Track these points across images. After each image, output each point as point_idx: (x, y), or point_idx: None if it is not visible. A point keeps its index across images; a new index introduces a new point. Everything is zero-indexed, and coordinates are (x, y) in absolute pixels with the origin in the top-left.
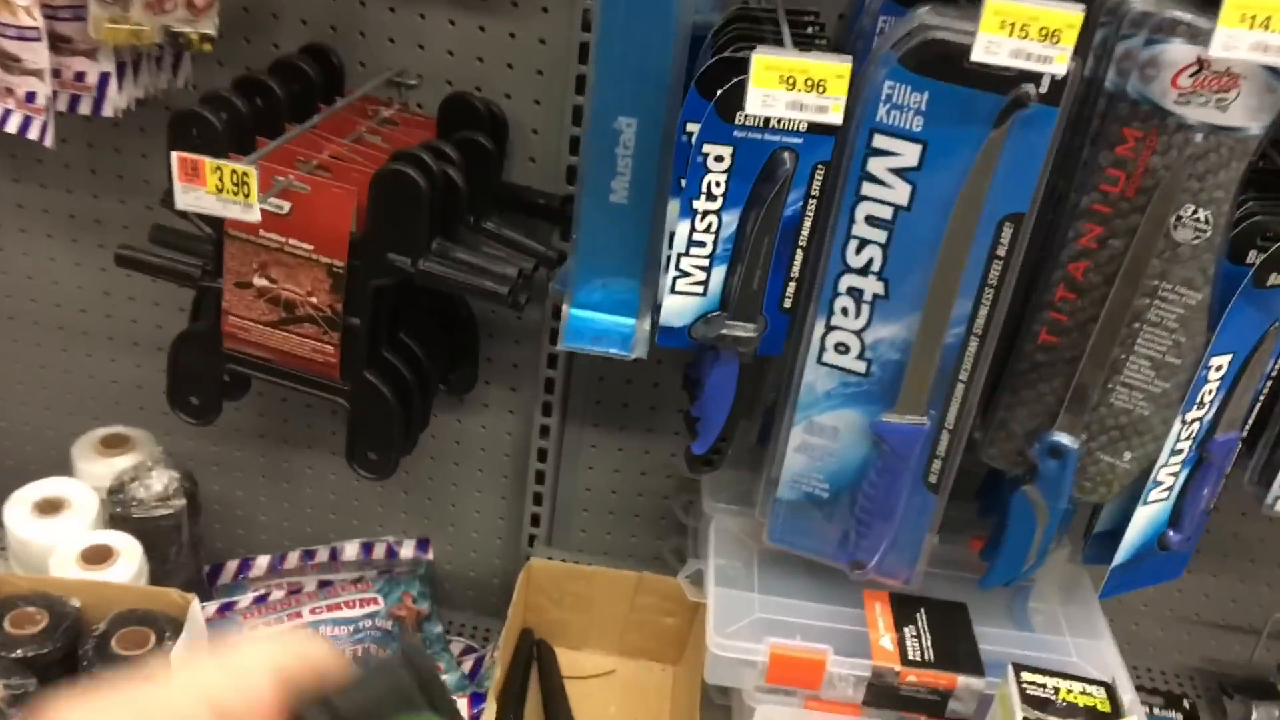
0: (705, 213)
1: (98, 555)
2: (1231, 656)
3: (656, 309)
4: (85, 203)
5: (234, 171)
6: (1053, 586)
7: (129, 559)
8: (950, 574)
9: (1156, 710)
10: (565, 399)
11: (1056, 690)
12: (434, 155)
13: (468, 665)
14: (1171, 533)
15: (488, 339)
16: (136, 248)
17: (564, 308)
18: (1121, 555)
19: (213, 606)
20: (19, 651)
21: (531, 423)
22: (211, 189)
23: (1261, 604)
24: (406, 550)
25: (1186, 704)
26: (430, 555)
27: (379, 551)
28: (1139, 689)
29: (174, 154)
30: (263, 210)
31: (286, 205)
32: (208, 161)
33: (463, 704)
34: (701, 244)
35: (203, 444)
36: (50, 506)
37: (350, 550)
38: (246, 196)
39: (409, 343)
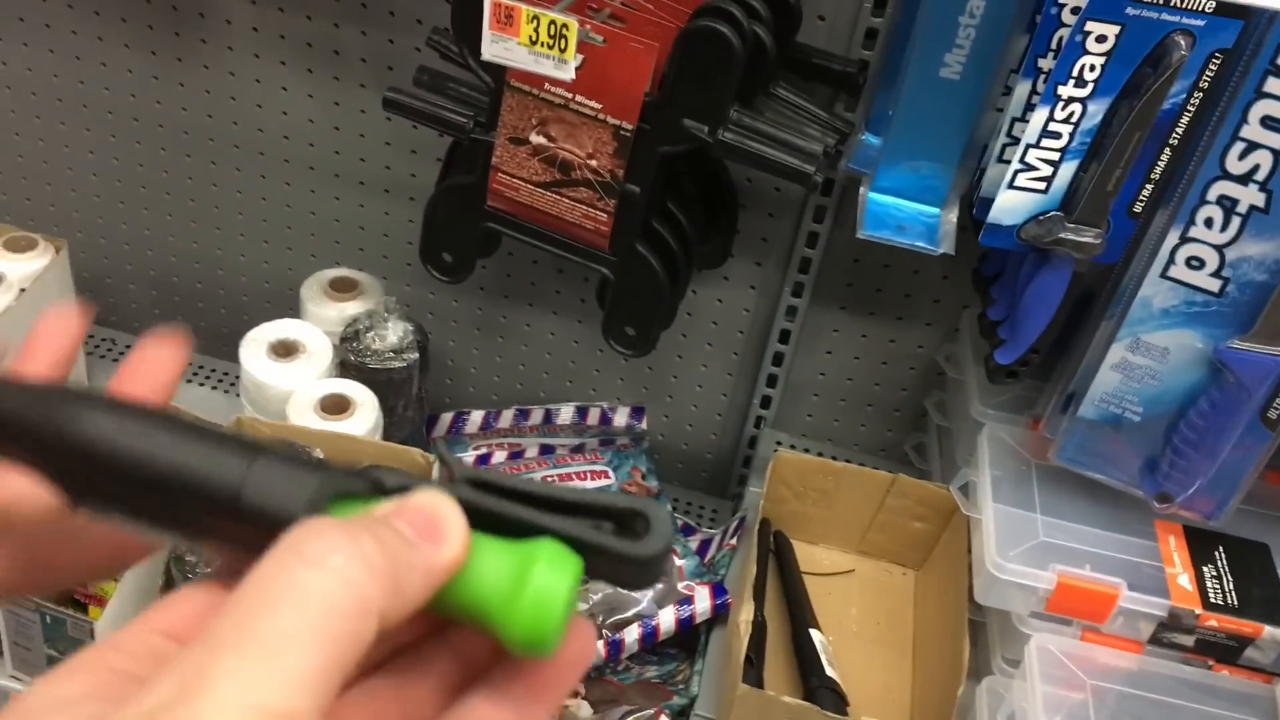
0: (1070, 100)
1: (336, 405)
2: None
3: (966, 200)
4: (325, 31)
5: (554, 22)
6: None
7: (367, 411)
8: (1248, 509)
9: None
10: (817, 279)
11: None
12: (744, 10)
13: (694, 544)
14: None
15: (741, 210)
16: (404, 90)
17: (862, 190)
18: None
19: None
20: None
21: (777, 301)
22: (525, 40)
23: None
24: (620, 418)
25: None
26: (645, 424)
27: (593, 417)
28: None
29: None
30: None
31: (579, 58)
32: (524, 9)
33: (704, 592)
34: (1056, 135)
35: (421, 292)
36: (285, 349)
37: (566, 413)
38: (563, 50)
39: (676, 212)
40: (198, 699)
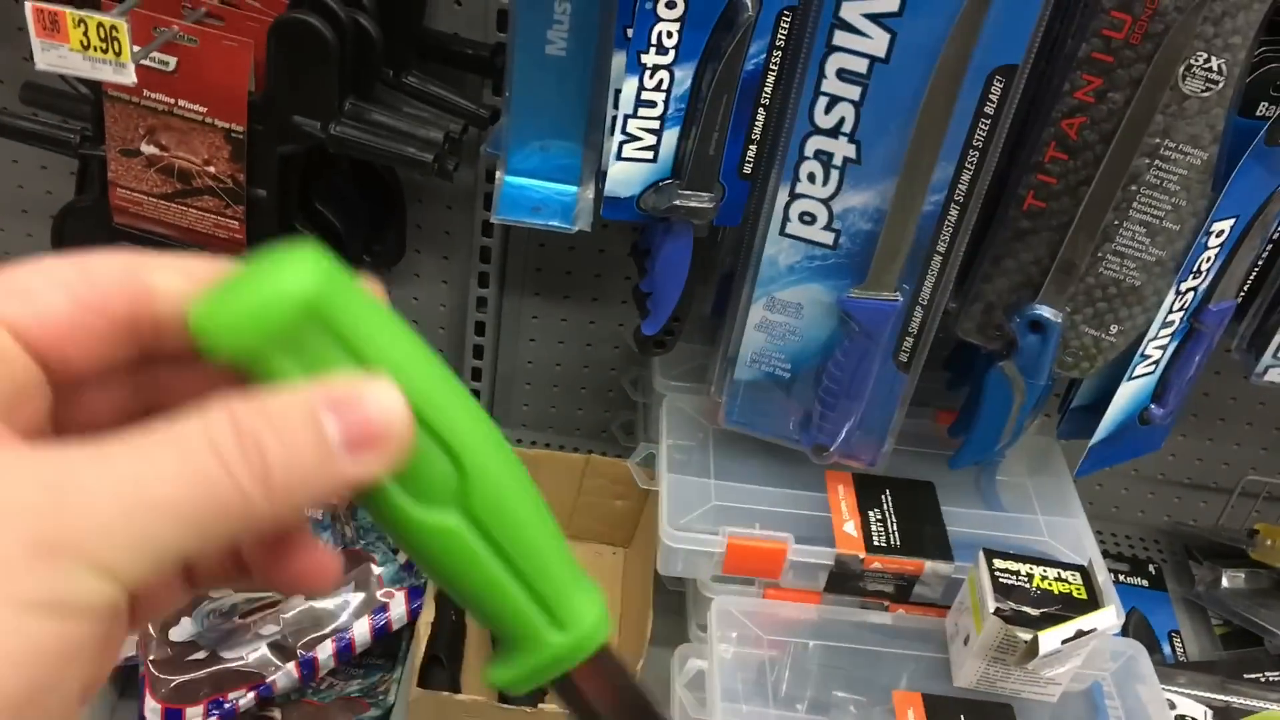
0: (655, 68)
1: None
2: (1198, 518)
3: (601, 176)
4: None
5: (101, 24)
6: (1022, 460)
7: None
8: (915, 450)
9: (1121, 577)
10: (503, 268)
11: (1030, 577)
12: (342, 0)
13: (403, 555)
14: (1154, 407)
15: (416, 204)
16: (7, 111)
17: (498, 174)
18: (1101, 432)
19: None
20: None
21: (467, 293)
22: (76, 45)
23: (1229, 463)
24: None
25: (1152, 569)
26: None
27: None
28: (1103, 555)
29: (28, 4)
30: (146, 68)
31: (173, 61)
32: (69, 13)
33: (400, 597)
34: (651, 104)
35: None
36: None
37: None
38: (118, 54)
39: (325, 212)
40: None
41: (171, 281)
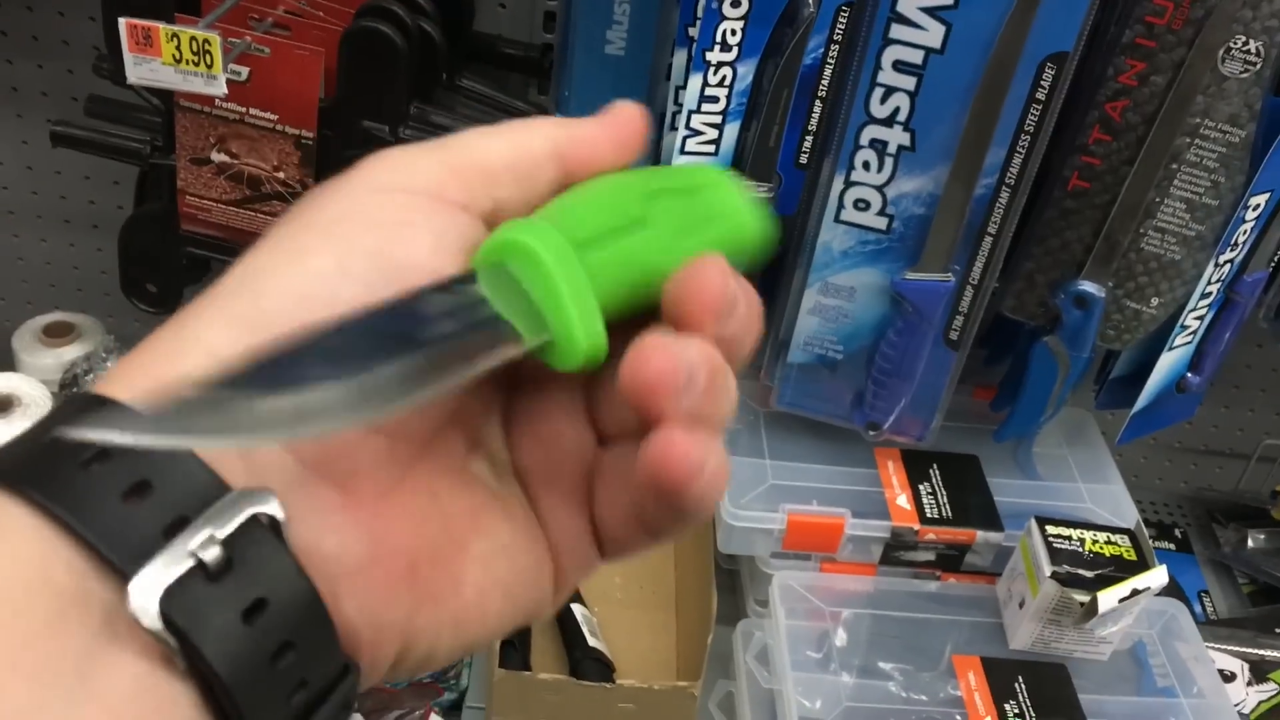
0: (719, 64)
1: None
2: (1218, 483)
3: None
4: None
5: (194, 39)
6: (1058, 430)
7: None
8: (957, 425)
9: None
10: None
11: (1081, 541)
12: (408, 7)
13: None
14: (1191, 375)
15: None
16: (72, 123)
17: None
18: (1142, 401)
19: None
20: None
21: None
22: (168, 59)
23: (1244, 428)
24: None
25: (1178, 533)
26: None
27: None
28: None
29: (122, 21)
30: None
31: (245, 71)
32: (162, 28)
33: None
34: (714, 99)
35: (151, 326)
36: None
37: None
38: (210, 66)
39: None
40: None
41: None
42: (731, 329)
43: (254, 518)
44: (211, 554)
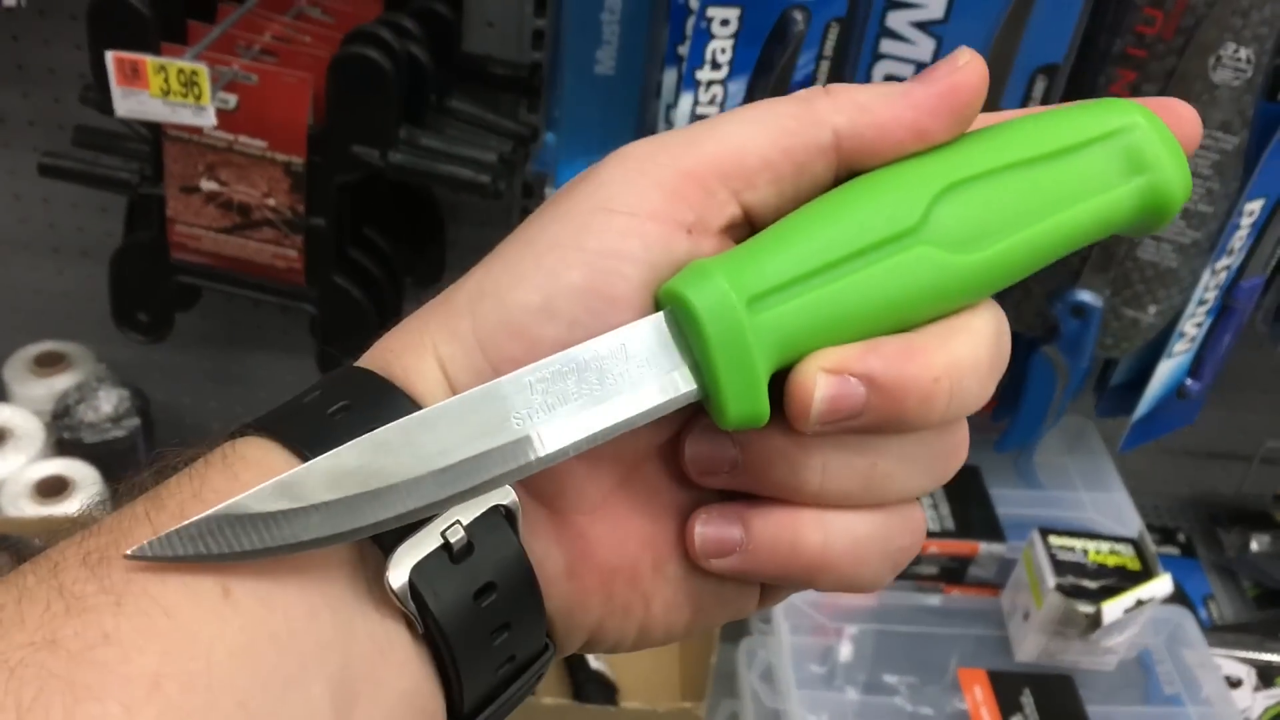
0: (710, 83)
1: (52, 488)
2: (1221, 487)
3: None
4: None
5: (181, 71)
6: (1059, 439)
7: (86, 488)
8: None
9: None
10: None
11: (1085, 552)
12: (394, 32)
13: None
14: (1191, 382)
15: (452, 222)
16: (61, 154)
17: (546, 190)
18: (1143, 408)
19: None
20: None
21: None
22: (156, 92)
23: (1247, 432)
24: None
25: (1181, 537)
26: None
27: None
28: None
29: (109, 54)
30: None
31: (233, 99)
32: (150, 61)
33: None
34: (705, 118)
35: (142, 352)
36: None
37: None
38: (198, 97)
39: (374, 237)
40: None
41: None
42: (861, 422)
43: (494, 507)
44: (457, 536)
